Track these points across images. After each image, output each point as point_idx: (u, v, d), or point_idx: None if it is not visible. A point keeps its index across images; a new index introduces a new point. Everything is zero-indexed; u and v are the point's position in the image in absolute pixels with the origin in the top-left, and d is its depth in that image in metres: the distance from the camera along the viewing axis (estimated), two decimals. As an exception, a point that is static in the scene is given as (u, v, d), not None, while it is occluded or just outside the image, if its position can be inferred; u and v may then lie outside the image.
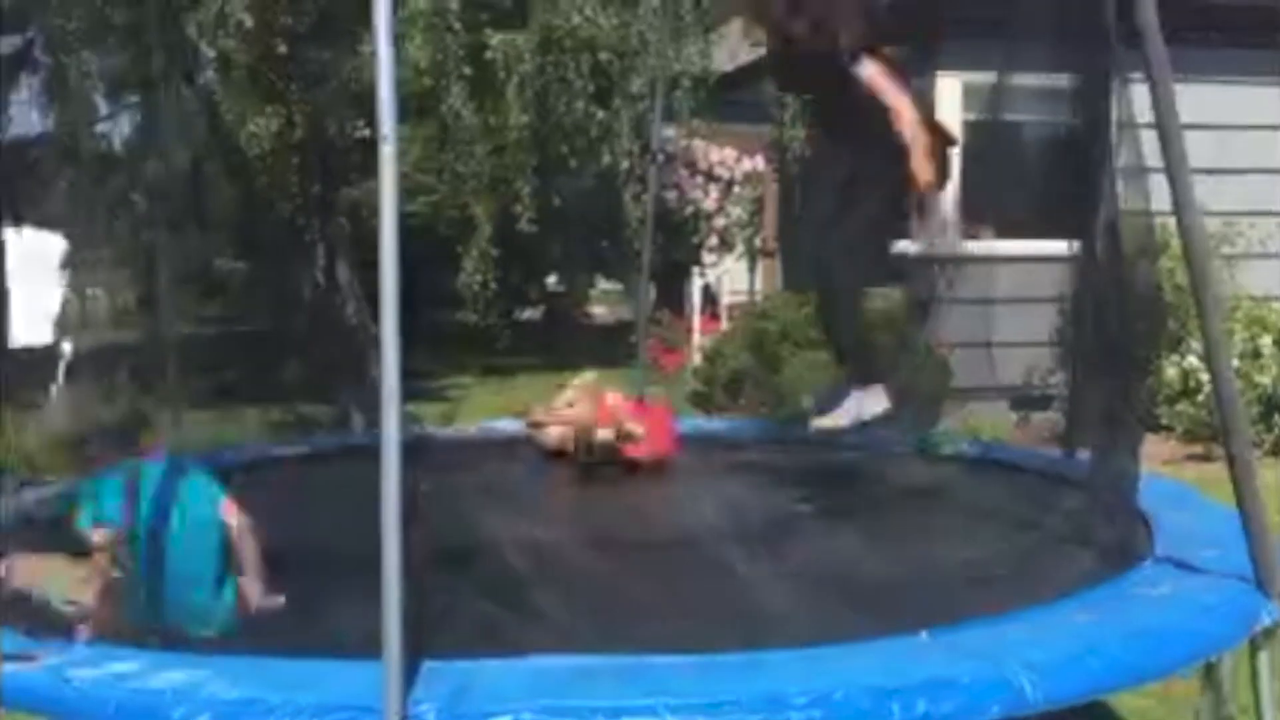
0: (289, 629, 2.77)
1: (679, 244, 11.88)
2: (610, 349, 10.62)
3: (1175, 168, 2.92)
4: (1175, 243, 3.14)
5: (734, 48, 11.53)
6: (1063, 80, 3.79)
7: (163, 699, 2.20)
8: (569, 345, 13.41)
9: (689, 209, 12.11)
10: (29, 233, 7.46)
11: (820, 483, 4.11)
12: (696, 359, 10.70)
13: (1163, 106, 2.92)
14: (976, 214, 5.13)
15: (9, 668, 2.43)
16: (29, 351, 7.01)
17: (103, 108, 10.12)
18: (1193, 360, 7.50)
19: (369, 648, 2.15)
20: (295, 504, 3.69)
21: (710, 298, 12.58)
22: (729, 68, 11.73)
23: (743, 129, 11.95)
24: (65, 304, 7.68)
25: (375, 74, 2.16)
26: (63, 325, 7.81)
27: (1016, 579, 2.90)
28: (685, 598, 3.01)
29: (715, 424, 6.93)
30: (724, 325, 11.60)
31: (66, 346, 8.46)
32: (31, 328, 7.09)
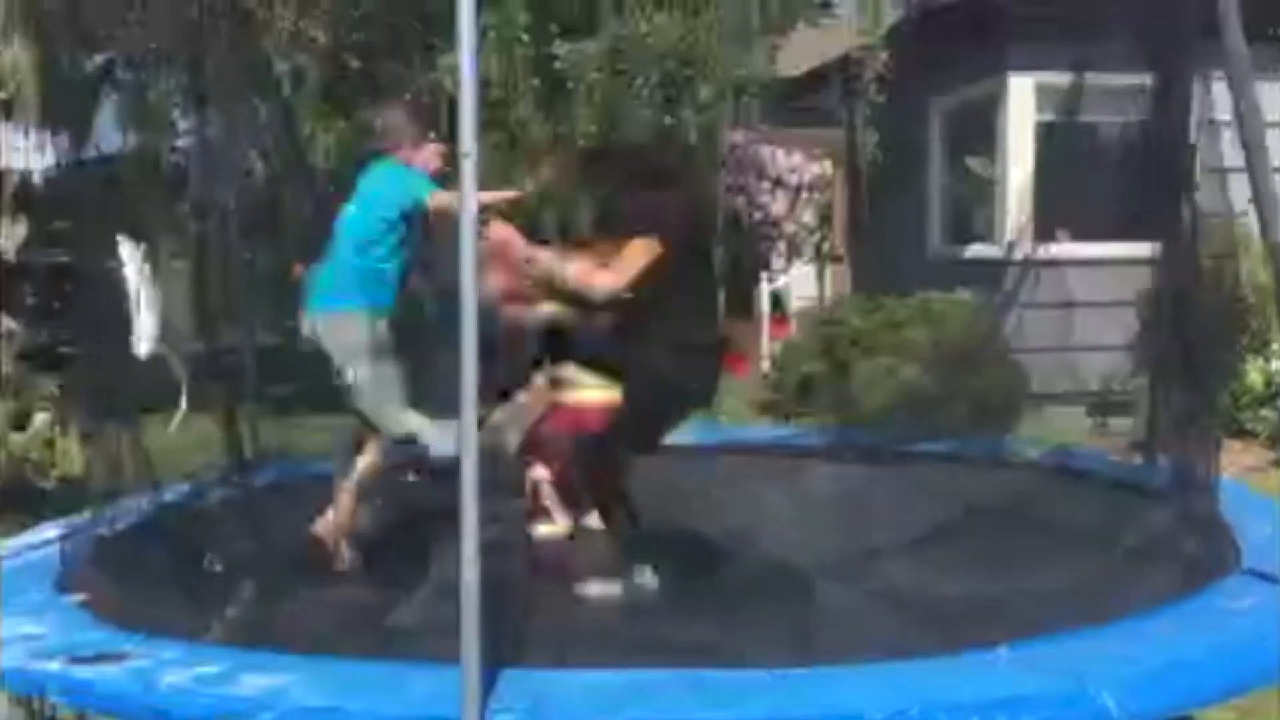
0: (371, 633, 2.81)
1: (747, 249, 11.83)
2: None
3: (1257, 166, 2.86)
4: (1256, 242, 3.07)
5: (801, 52, 11.47)
6: (1141, 80, 3.72)
7: (248, 705, 2.25)
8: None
9: (757, 214, 12.04)
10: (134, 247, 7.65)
11: (896, 496, 4.05)
12: (765, 365, 10.64)
13: (1244, 105, 2.85)
14: (1053, 217, 5.05)
15: (94, 669, 2.47)
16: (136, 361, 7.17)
17: (180, 124, 10.34)
18: (1278, 364, 7.28)
19: (446, 654, 2.17)
20: (375, 511, 3.74)
21: (779, 303, 12.51)
22: (796, 72, 11.66)
23: (810, 133, 11.87)
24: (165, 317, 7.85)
25: (458, 92, 2.20)
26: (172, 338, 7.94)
27: (1099, 593, 2.84)
28: (760, 612, 2.99)
29: (784, 431, 6.88)
30: (793, 330, 11.52)
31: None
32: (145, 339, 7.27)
